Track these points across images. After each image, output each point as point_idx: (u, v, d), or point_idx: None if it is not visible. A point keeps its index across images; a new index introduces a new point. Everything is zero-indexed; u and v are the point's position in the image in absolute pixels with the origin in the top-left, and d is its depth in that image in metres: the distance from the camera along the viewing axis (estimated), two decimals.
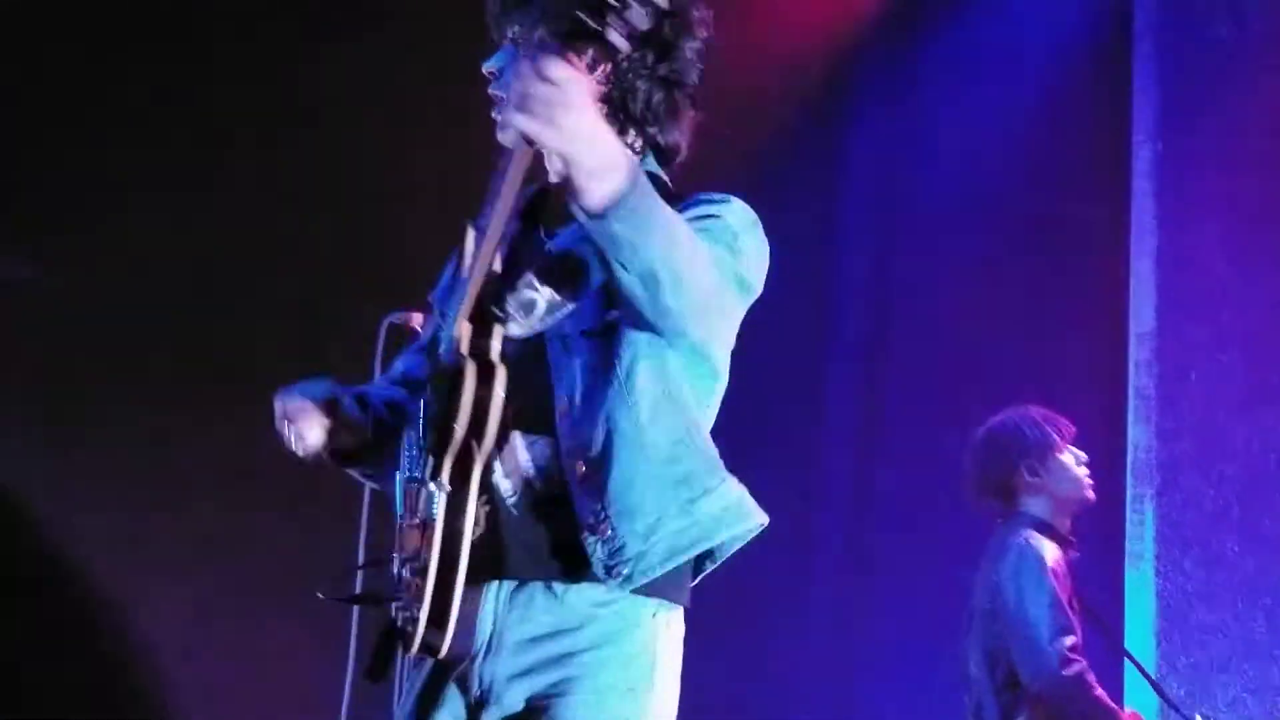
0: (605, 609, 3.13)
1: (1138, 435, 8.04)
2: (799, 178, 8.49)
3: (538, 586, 3.10)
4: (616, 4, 2.81)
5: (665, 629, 3.22)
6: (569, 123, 2.76)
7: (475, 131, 3.52)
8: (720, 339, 3.28)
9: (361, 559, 4.79)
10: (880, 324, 9.11)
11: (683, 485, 3.20)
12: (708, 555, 3.19)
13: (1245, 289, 8.00)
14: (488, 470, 3.08)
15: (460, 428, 3.08)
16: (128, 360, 7.95)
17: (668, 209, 2.93)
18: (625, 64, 3.26)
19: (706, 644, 3.78)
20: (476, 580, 3.05)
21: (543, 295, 3.23)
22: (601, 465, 3.11)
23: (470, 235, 3.19)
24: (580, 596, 3.11)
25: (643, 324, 3.11)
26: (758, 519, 3.25)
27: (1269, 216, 8.06)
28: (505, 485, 3.10)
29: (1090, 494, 5.97)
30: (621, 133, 3.29)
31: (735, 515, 3.22)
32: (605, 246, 2.93)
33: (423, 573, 3.07)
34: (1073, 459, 5.96)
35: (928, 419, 8.25)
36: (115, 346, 7.96)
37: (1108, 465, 7.68)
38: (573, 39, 2.80)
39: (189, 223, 8.28)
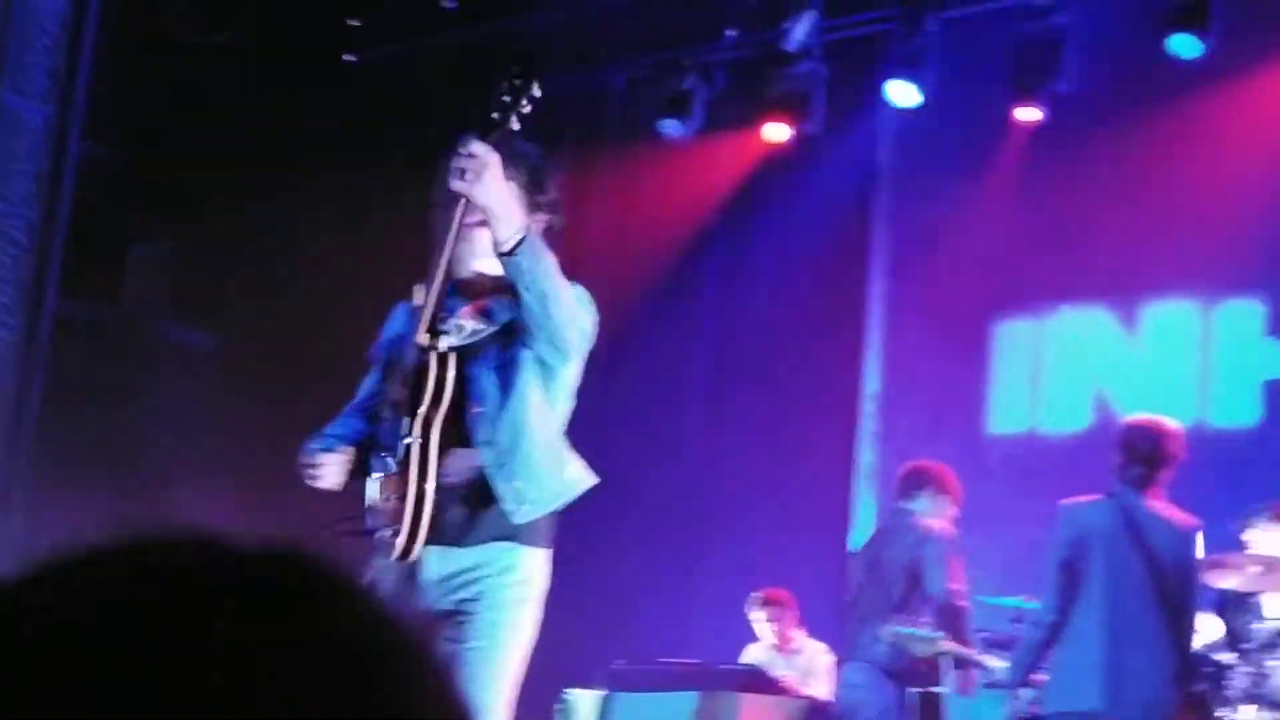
0: (504, 554, 4.02)
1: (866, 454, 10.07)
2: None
3: (469, 540, 4.01)
4: (509, 99, 3.72)
5: (537, 565, 4.07)
6: (484, 180, 3.65)
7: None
8: (576, 359, 4.04)
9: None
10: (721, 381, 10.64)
11: (557, 458, 4.09)
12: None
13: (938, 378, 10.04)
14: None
15: (427, 397, 3.94)
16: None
17: (553, 257, 3.76)
18: (532, 170, 3.97)
19: (576, 582, 4.95)
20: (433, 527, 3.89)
21: (470, 324, 4.04)
22: (513, 449, 3.99)
23: (420, 288, 3.99)
24: (489, 546, 4.02)
25: (536, 344, 3.90)
26: (591, 479, 4.16)
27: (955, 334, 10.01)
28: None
29: None
30: (531, 211, 3.97)
31: (583, 476, 4.17)
32: (516, 277, 3.77)
33: (403, 497, 3.87)
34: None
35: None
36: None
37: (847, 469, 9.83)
38: (483, 130, 3.71)
39: None
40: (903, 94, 9.79)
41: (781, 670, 8.61)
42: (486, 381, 4.02)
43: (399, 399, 4.02)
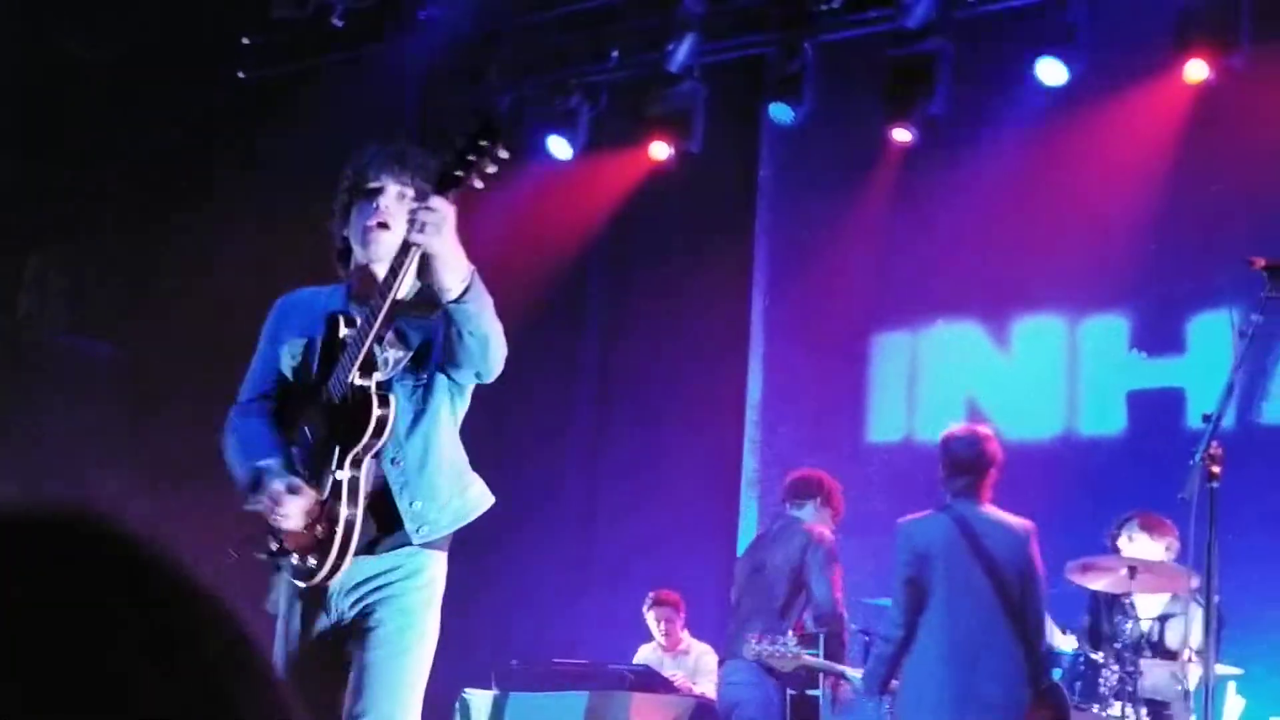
0: (409, 558, 4.05)
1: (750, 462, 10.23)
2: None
3: (375, 549, 4.02)
4: (474, 158, 3.67)
5: (440, 568, 4.09)
6: (443, 234, 3.65)
7: None
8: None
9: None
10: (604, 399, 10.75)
11: (459, 479, 4.10)
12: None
13: (819, 389, 10.16)
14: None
15: (368, 433, 3.91)
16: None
17: (489, 296, 3.80)
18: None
19: (472, 585, 5.05)
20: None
21: (393, 355, 4.01)
22: (420, 469, 4.01)
23: (358, 316, 3.94)
24: (395, 553, 4.04)
25: (460, 373, 3.95)
26: (490, 500, 4.17)
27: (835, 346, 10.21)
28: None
29: None
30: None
31: (483, 497, 4.17)
32: (462, 321, 3.74)
33: (331, 526, 3.89)
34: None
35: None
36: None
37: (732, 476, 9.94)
38: (443, 184, 3.69)
39: None
40: (781, 114, 9.87)
41: (670, 670, 8.74)
42: (400, 402, 4.01)
43: (321, 429, 4.00)
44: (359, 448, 3.92)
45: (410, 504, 4.00)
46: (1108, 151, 9.40)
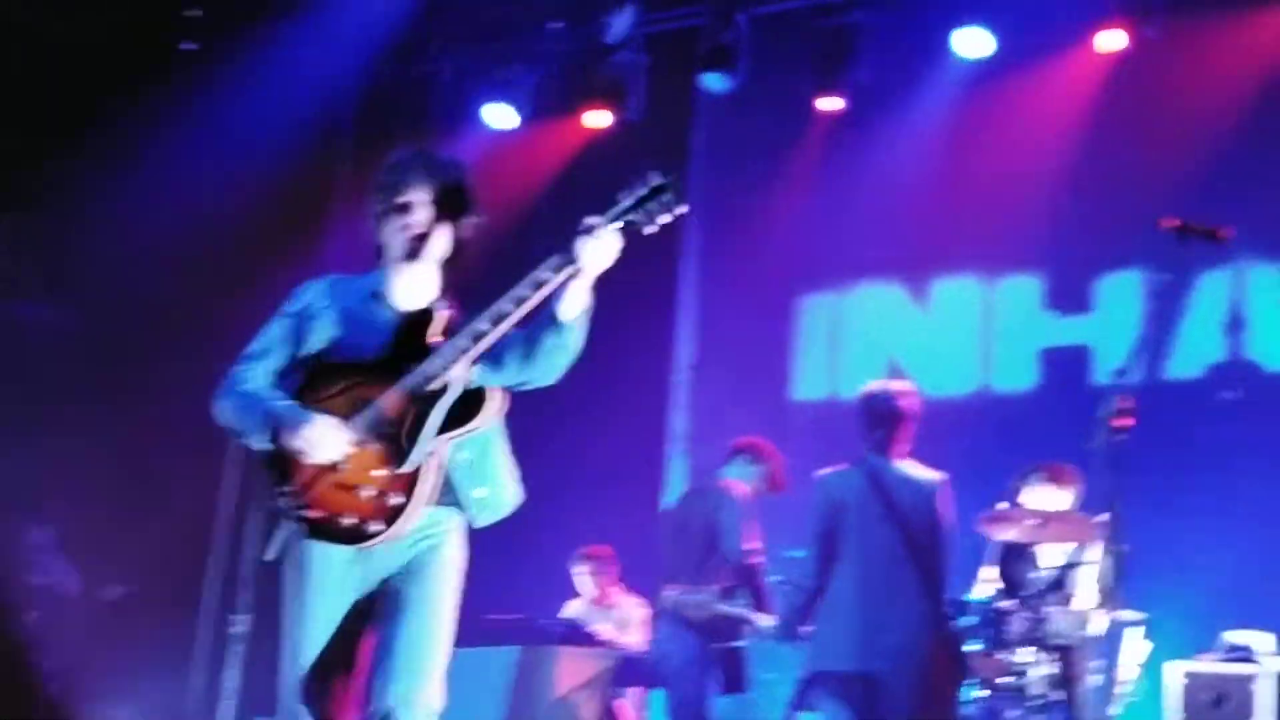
0: (453, 515, 4.23)
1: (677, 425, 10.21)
2: None
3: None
4: (654, 208, 4.04)
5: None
6: (603, 265, 4.04)
7: None
8: None
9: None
10: None
11: (510, 471, 4.36)
12: None
13: (746, 348, 10.14)
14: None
15: (474, 421, 4.12)
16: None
17: None
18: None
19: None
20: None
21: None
22: (484, 458, 4.24)
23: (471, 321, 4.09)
24: (445, 507, 4.18)
25: (529, 373, 4.21)
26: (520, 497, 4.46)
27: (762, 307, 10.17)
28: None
29: None
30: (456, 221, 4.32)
31: (520, 490, 4.44)
32: (567, 337, 4.10)
33: (408, 496, 4.04)
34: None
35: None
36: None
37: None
38: (618, 223, 4.04)
39: None
40: (715, 84, 9.85)
41: (599, 623, 8.72)
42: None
43: (403, 409, 4.08)
44: (460, 431, 4.07)
45: (472, 490, 4.19)
46: (1023, 119, 9.45)
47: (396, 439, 4.06)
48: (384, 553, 4.11)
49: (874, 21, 9.47)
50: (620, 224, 4.07)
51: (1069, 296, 9.37)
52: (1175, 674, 7.33)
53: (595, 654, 7.99)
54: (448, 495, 4.18)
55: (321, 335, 4.27)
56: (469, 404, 4.11)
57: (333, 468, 4.06)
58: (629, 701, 8.42)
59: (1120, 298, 9.00)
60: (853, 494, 6.25)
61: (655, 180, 4.10)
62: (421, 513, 4.05)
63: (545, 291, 4.04)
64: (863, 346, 9.98)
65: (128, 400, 8.34)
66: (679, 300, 10.45)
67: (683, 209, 4.06)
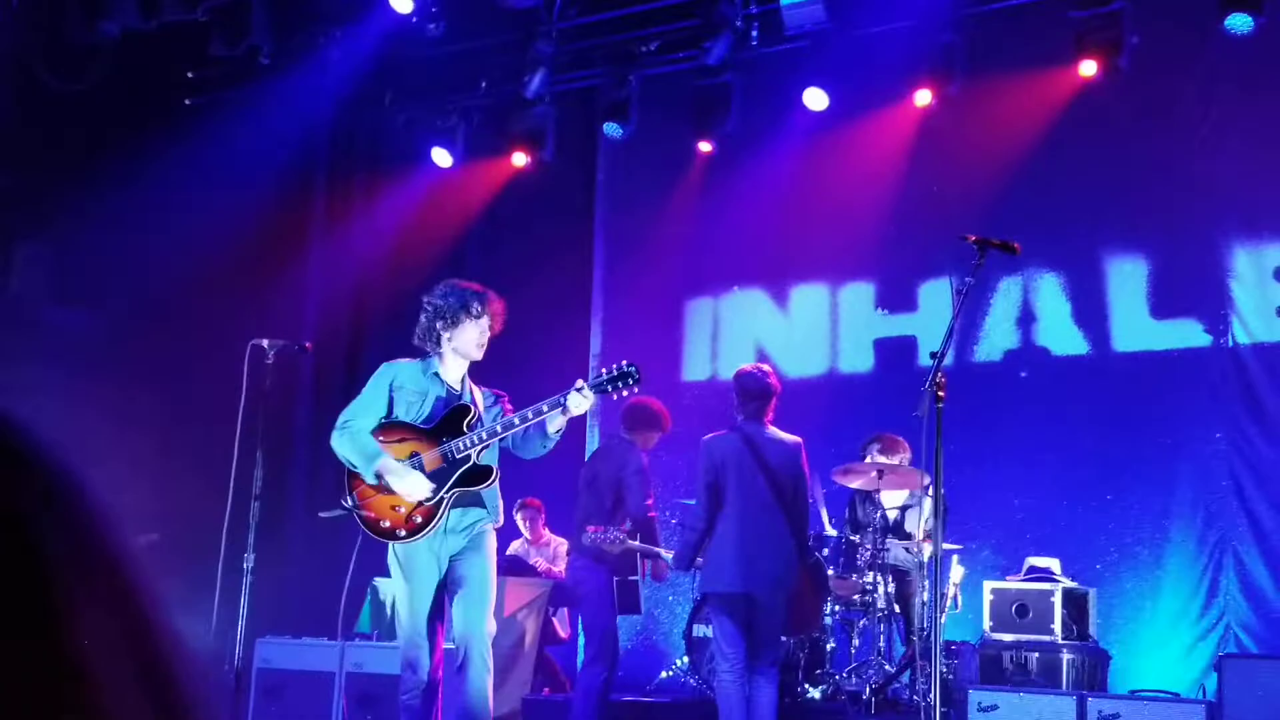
0: (484, 521, 5.14)
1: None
2: None
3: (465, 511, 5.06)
4: (618, 385, 5.00)
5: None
6: (585, 410, 4.95)
7: None
8: None
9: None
10: None
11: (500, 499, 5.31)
12: None
13: (645, 340, 10.13)
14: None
15: (482, 485, 5.09)
16: None
17: None
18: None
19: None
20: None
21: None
22: (490, 493, 5.19)
23: (488, 423, 5.12)
24: (473, 519, 5.10)
25: (513, 449, 5.17)
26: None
27: (657, 309, 10.20)
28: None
29: None
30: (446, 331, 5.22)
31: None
32: (549, 443, 5.04)
33: (434, 513, 5.02)
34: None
35: None
36: None
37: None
38: (597, 389, 5.02)
39: None
40: (613, 131, 9.91)
41: (534, 558, 8.76)
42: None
43: (439, 466, 5.04)
44: (468, 489, 5.01)
45: (488, 503, 5.16)
46: (858, 159, 9.51)
47: (435, 477, 4.99)
48: (447, 545, 5.03)
49: (741, 82, 9.47)
50: (598, 389, 4.98)
51: (897, 298, 9.44)
52: (986, 591, 7.52)
53: (533, 582, 8.11)
54: (479, 500, 5.08)
55: (402, 408, 5.13)
56: (477, 472, 5.02)
57: (388, 488, 4.96)
58: (560, 619, 8.62)
59: (937, 298, 9.06)
60: (732, 454, 6.22)
61: (626, 368, 5.03)
62: (436, 528, 4.95)
63: (542, 418, 4.94)
64: (736, 339, 10.01)
65: (154, 384, 8.30)
66: (592, 303, 10.48)
67: (632, 392, 4.99)
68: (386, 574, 5.35)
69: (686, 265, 10.24)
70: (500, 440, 5.09)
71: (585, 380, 5.01)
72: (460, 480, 5.00)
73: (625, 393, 5.03)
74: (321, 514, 5.25)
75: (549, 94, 10.03)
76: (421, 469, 4.97)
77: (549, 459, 8.24)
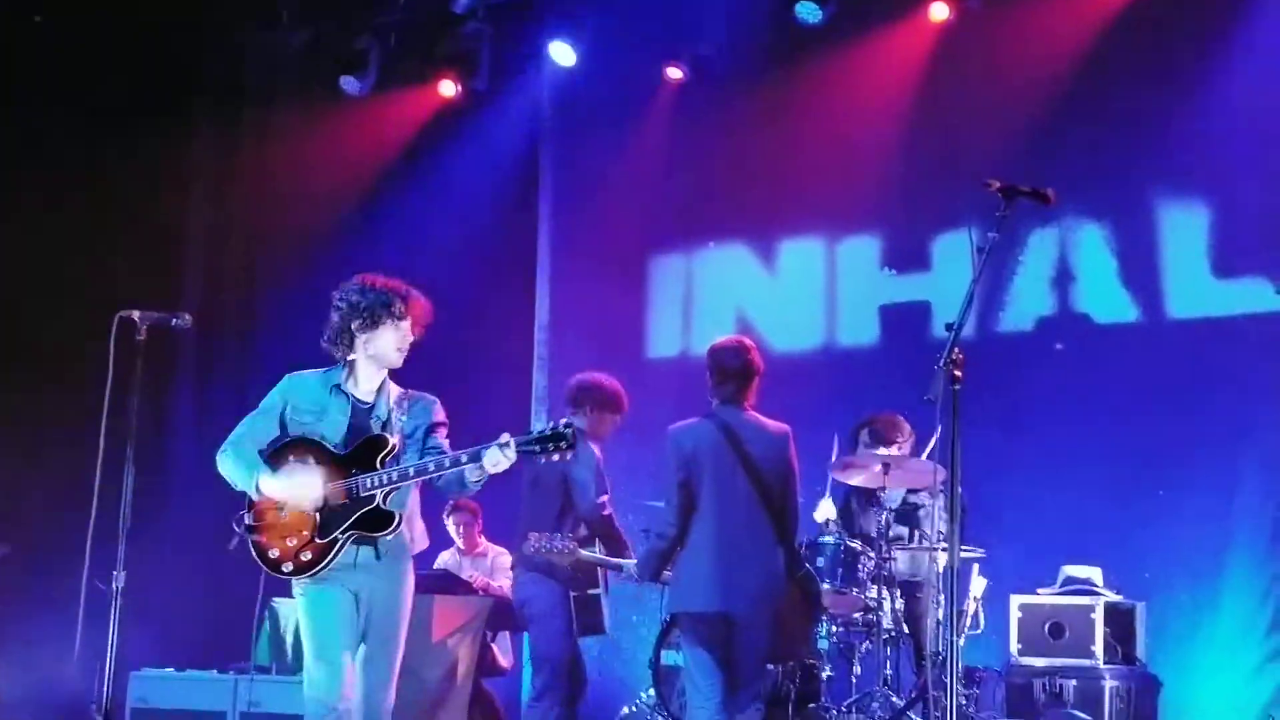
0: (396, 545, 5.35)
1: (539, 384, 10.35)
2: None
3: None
4: (546, 447, 5.15)
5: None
6: (504, 468, 5.20)
7: None
8: None
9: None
10: None
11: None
12: None
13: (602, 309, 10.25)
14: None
15: (388, 530, 5.26)
16: None
17: None
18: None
19: None
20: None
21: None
22: (410, 524, 5.38)
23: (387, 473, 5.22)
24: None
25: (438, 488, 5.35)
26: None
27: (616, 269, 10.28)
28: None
29: None
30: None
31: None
32: (470, 487, 5.24)
33: (329, 549, 5.22)
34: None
35: None
36: None
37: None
38: (522, 449, 5.18)
39: None
40: (562, 53, 9.92)
41: (469, 571, 8.80)
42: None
43: (341, 505, 5.25)
44: (365, 535, 5.23)
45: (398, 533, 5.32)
46: (861, 86, 9.55)
47: (334, 513, 5.18)
48: (355, 580, 5.29)
49: None
50: (525, 448, 5.12)
51: (906, 255, 9.50)
52: (1014, 607, 7.59)
53: (467, 601, 8.09)
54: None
55: (296, 426, 5.33)
56: (379, 517, 5.19)
57: (279, 512, 5.19)
58: (501, 646, 8.60)
59: (954, 255, 9.07)
60: (707, 445, 6.22)
61: (563, 429, 5.15)
62: (327, 571, 5.18)
63: (459, 469, 5.15)
64: (713, 306, 10.06)
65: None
66: (538, 263, 10.51)
67: (569, 456, 5.15)
68: (288, 590, 5.41)
69: (652, 216, 10.28)
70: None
71: (511, 435, 5.16)
72: (359, 523, 5.19)
73: (555, 458, 5.19)
74: (231, 546, 5.41)
75: (482, 8, 10.03)
76: (324, 499, 5.21)
77: None
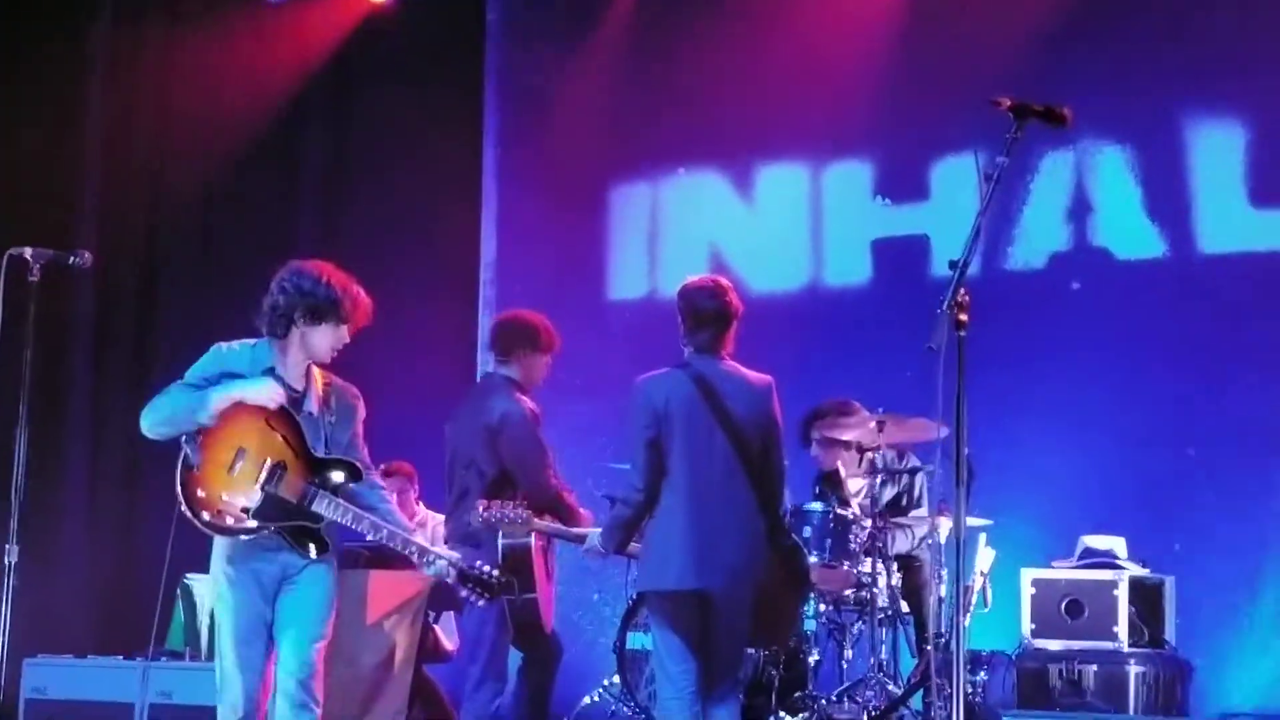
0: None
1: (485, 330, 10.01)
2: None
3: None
4: (486, 587, 5.65)
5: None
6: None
7: None
8: None
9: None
10: None
11: None
12: None
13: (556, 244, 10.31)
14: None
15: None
16: None
17: None
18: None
19: None
20: None
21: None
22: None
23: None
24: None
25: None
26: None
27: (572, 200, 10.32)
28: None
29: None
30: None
31: None
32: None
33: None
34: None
35: None
36: None
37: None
38: (463, 582, 5.64)
39: None
40: None
41: None
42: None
43: (289, 502, 5.52)
44: (302, 548, 5.49)
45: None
46: None
47: (278, 504, 5.42)
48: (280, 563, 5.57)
49: None
50: (461, 578, 5.63)
51: (901, 182, 9.52)
52: (1025, 582, 7.62)
53: (407, 576, 7.85)
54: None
55: None
56: (315, 540, 5.51)
57: (229, 471, 5.38)
58: (445, 628, 8.62)
59: (956, 182, 9.08)
60: (679, 400, 6.13)
61: (500, 581, 5.69)
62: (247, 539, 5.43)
63: (406, 549, 5.59)
64: (683, 240, 10.09)
65: None
66: (483, 191, 10.49)
67: (496, 597, 5.79)
68: (202, 569, 5.41)
69: (612, 138, 10.26)
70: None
71: (459, 567, 5.64)
72: (292, 530, 5.49)
73: (479, 602, 5.73)
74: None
75: None
76: (277, 485, 5.44)
77: (426, 410, 8.25)
